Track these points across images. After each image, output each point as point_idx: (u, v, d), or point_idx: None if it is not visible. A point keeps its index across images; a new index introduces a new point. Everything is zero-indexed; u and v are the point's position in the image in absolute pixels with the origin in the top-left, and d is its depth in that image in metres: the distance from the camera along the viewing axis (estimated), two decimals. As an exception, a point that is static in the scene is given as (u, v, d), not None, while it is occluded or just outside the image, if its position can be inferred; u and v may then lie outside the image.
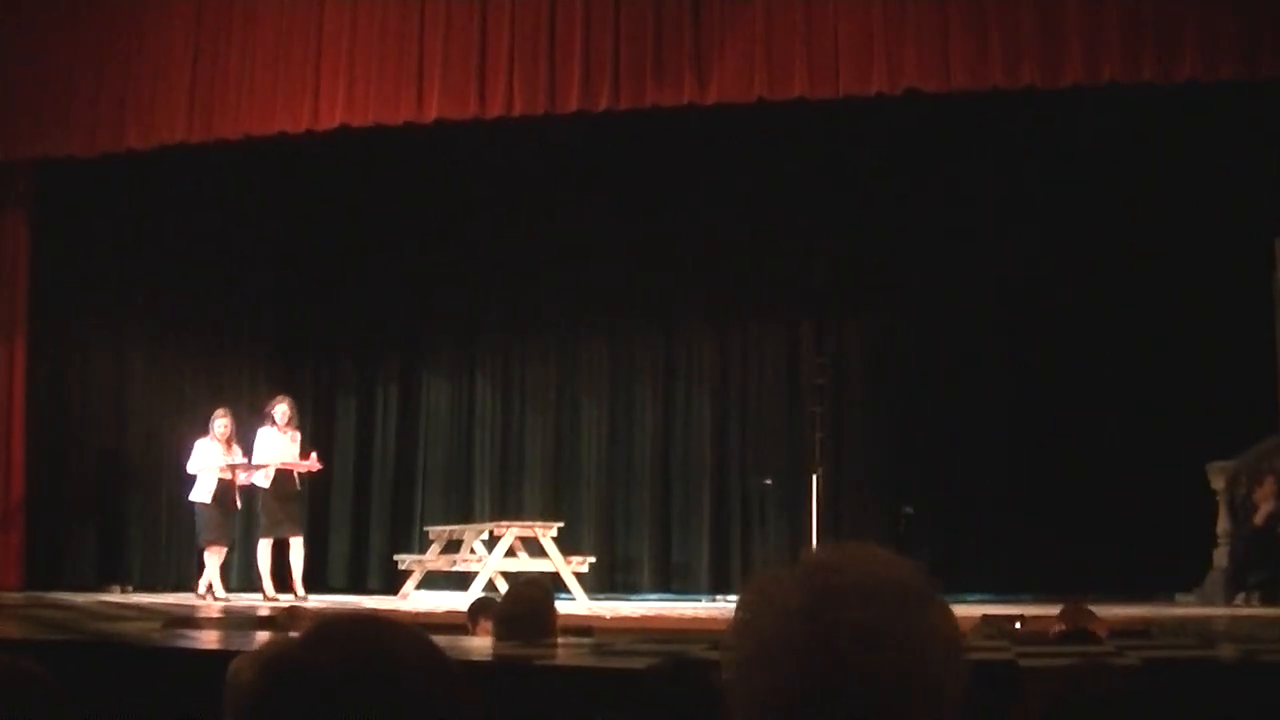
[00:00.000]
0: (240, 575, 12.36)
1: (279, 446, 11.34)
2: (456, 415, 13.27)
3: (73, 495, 12.90)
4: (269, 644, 3.53)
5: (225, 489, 11.25)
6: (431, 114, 10.82)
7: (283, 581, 11.21)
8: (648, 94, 10.50)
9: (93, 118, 11.49)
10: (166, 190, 13.28)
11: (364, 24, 10.92)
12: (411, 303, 13.51)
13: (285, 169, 12.99)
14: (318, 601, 10.76)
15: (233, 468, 11.22)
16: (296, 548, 11.27)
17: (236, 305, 13.49)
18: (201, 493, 11.25)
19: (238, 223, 13.58)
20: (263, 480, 11.26)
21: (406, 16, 10.83)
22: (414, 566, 11.39)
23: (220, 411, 11.46)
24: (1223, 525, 10.56)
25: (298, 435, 11.51)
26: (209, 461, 11.21)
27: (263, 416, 11.47)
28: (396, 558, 11.75)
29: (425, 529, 12.24)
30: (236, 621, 8.15)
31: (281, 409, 11.37)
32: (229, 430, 11.34)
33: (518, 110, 10.71)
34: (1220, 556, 10.51)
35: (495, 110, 10.73)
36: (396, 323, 13.51)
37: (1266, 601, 9.93)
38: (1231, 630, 7.52)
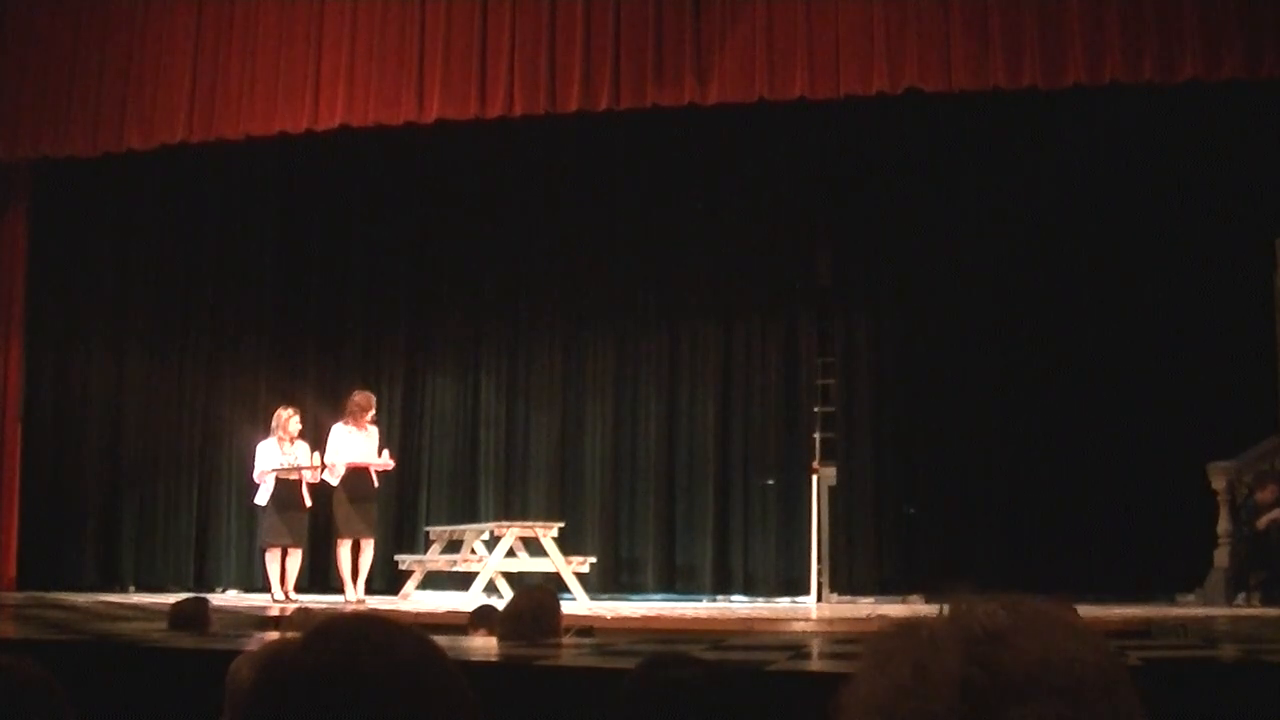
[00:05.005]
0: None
1: (354, 444, 10.97)
2: (460, 415, 13.26)
3: (70, 495, 12.92)
4: (268, 644, 3.53)
5: (287, 489, 10.87)
6: (432, 114, 10.83)
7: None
8: (648, 94, 10.51)
9: (93, 118, 11.50)
10: (167, 190, 13.31)
11: (364, 24, 10.93)
12: (414, 302, 13.49)
13: (286, 169, 13.00)
14: (314, 601, 10.73)
15: (297, 469, 10.88)
16: (366, 550, 10.96)
17: (237, 305, 13.48)
18: (261, 495, 10.92)
19: (238, 223, 13.58)
20: (333, 478, 10.85)
21: (407, 16, 10.84)
22: (414, 567, 11.39)
23: (288, 410, 11.05)
24: (1223, 525, 10.54)
25: (375, 431, 11.19)
26: (269, 464, 10.85)
27: (342, 412, 11.12)
28: (397, 558, 11.74)
29: (426, 529, 12.24)
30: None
31: (358, 403, 11.01)
32: (299, 425, 10.97)
33: (518, 110, 10.73)
34: (1221, 556, 10.49)
35: (495, 110, 10.74)
36: (399, 323, 13.49)
37: (1267, 602, 9.92)
38: (1232, 630, 7.51)
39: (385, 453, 11.18)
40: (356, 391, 11.32)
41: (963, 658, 0.96)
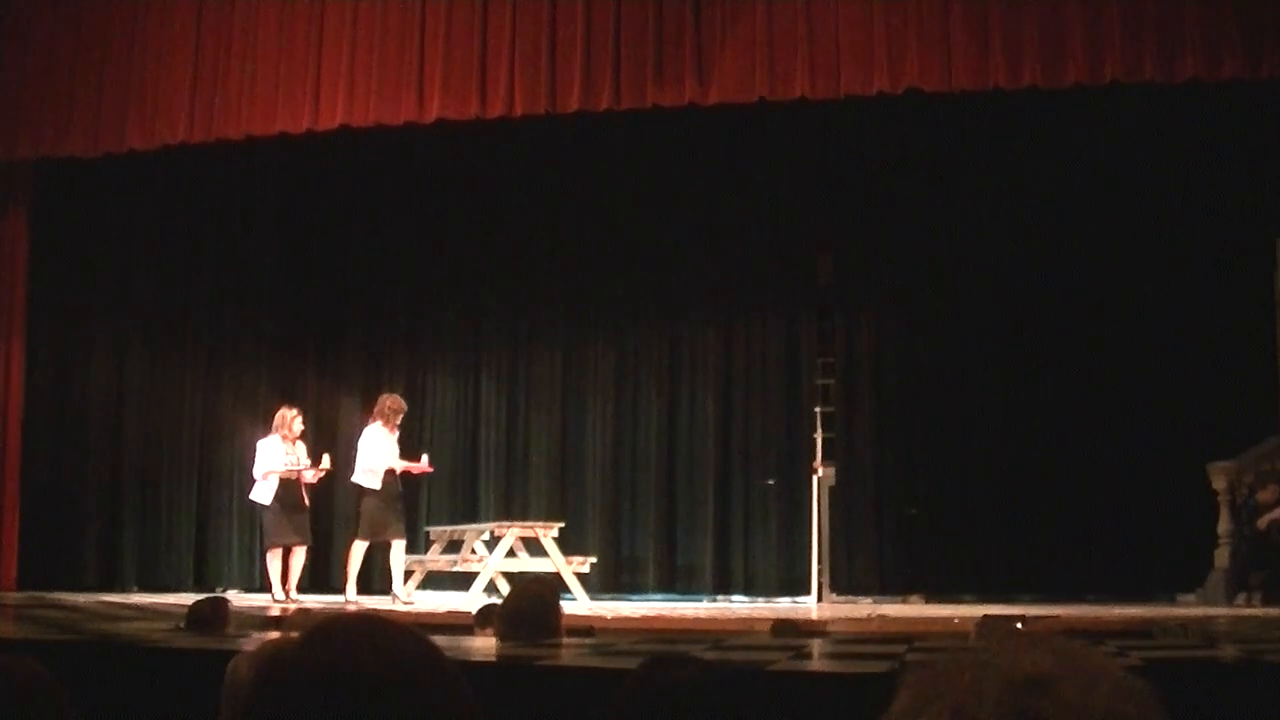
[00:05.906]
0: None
1: (389, 447, 10.87)
2: (460, 415, 13.26)
3: (70, 495, 12.91)
4: (268, 643, 3.53)
5: (289, 488, 10.84)
6: (432, 114, 10.84)
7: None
8: (649, 94, 10.52)
9: (94, 118, 11.50)
10: (167, 190, 13.31)
11: (364, 24, 10.93)
12: (415, 302, 13.50)
13: (286, 169, 13.00)
14: (316, 602, 10.73)
15: (299, 471, 10.83)
16: (398, 549, 10.88)
17: (237, 305, 13.47)
18: (263, 494, 10.85)
19: (238, 223, 13.58)
20: (373, 481, 10.75)
21: (407, 16, 10.84)
22: (415, 567, 11.38)
23: (292, 409, 11.02)
24: (1224, 525, 10.55)
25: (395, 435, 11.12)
26: (274, 464, 10.79)
27: (372, 415, 11.06)
28: (398, 558, 11.74)
29: (427, 529, 12.24)
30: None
31: (392, 407, 10.96)
32: (302, 425, 10.95)
33: (518, 110, 10.73)
34: (1221, 557, 10.50)
35: (496, 110, 10.75)
36: (399, 322, 13.50)
37: (1268, 602, 9.92)
38: (1233, 630, 7.51)
39: (425, 458, 11.21)
40: (388, 395, 11.24)
41: (1004, 704, 0.95)
